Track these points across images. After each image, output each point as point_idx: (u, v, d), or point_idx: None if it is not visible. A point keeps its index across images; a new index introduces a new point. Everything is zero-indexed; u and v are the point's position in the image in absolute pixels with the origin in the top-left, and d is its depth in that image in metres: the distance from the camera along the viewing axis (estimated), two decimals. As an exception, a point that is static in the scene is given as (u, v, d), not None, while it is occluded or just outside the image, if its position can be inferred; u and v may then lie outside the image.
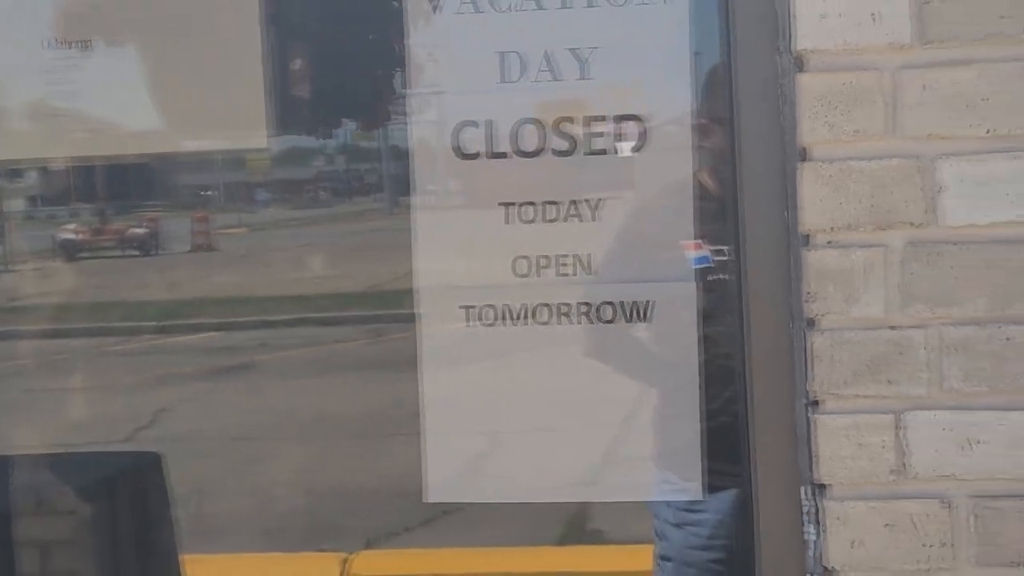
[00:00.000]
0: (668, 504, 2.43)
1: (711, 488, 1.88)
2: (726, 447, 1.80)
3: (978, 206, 1.56)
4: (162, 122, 1.95)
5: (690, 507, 2.41)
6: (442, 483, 1.88)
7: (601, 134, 1.82)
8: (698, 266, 1.91)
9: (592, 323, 1.83)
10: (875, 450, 1.59)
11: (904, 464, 1.59)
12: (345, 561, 4.32)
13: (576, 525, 4.73)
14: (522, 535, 4.30)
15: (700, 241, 1.90)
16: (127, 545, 2.52)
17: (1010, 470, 1.57)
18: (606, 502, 3.30)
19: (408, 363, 1.84)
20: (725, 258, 1.86)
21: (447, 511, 4.76)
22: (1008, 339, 1.57)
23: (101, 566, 2.48)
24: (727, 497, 2.26)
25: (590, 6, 1.81)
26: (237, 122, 1.90)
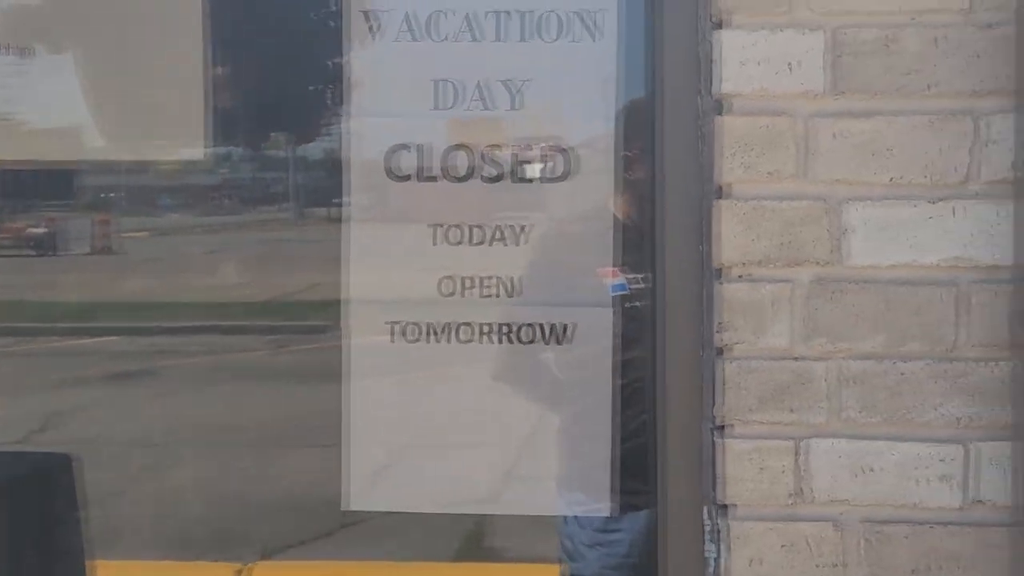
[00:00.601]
0: (581, 525, 2.45)
1: (626, 508, 1.94)
2: (641, 468, 1.86)
3: (880, 249, 1.65)
4: (103, 130, 1.97)
5: (605, 527, 2.44)
6: (361, 492, 1.92)
7: (528, 162, 1.89)
8: (615, 293, 1.98)
9: (512, 343, 1.89)
10: (776, 474, 1.67)
11: (802, 488, 1.67)
12: (240, 572, 4.28)
13: (477, 542, 4.74)
14: (424, 550, 4.30)
15: (617, 269, 1.97)
16: (33, 547, 2.50)
17: (898, 497, 1.67)
18: (513, 521, 3.33)
19: (311, 375, 1.87)
20: (642, 286, 1.93)
21: (346, 524, 4.75)
22: (902, 374, 1.66)
23: (5, 568, 2.45)
24: (642, 517, 2.31)
25: (523, 41, 1.87)
26: (176, 133, 1.93)
